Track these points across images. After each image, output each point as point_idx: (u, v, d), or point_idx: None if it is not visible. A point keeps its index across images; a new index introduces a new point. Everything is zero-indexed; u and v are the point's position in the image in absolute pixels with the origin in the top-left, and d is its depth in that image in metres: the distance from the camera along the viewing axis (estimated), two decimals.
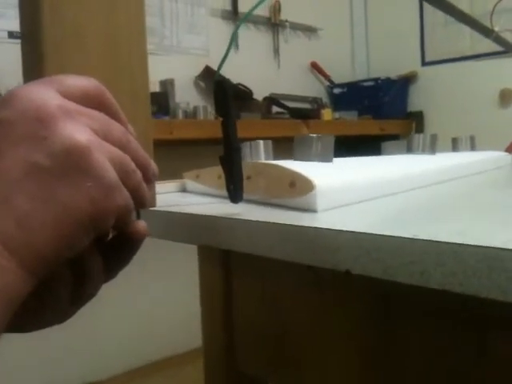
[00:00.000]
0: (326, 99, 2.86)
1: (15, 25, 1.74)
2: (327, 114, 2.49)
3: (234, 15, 2.35)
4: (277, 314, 0.53)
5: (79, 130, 0.28)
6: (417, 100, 2.81)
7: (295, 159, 0.57)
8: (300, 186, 0.46)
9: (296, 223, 0.38)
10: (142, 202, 0.33)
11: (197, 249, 0.62)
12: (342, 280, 0.47)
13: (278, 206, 0.50)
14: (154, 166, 0.35)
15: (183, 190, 0.75)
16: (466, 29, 2.51)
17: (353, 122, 2.57)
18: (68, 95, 0.29)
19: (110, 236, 0.36)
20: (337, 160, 0.59)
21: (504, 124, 2.33)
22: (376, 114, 2.64)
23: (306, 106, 2.70)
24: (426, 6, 2.71)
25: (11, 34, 1.75)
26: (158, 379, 2.02)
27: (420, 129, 2.75)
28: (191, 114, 2.03)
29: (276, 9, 2.54)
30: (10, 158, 0.27)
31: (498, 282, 0.27)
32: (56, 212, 0.27)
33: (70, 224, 0.27)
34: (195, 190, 0.71)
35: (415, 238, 0.30)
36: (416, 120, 2.78)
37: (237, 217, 0.44)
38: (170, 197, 0.69)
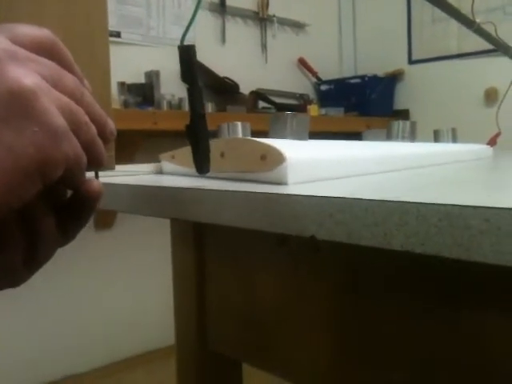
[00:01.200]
0: (312, 96, 2.86)
1: None
2: (313, 109, 2.49)
3: (221, 8, 2.34)
4: (250, 292, 0.52)
5: (26, 74, 0.27)
6: (403, 98, 2.82)
7: (270, 137, 0.56)
8: (271, 158, 0.45)
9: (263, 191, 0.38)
10: (97, 159, 0.32)
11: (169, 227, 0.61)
12: (314, 255, 0.46)
13: (250, 181, 0.49)
14: (111, 123, 0.34)
15: (160, 172, 0.74)
16: (453, 27, 2.54)
17: (339, 119, 2.57)
18: (18, 42, 0.28)
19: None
20: (312, 140, 0.59)
21: (489, 122, 2.33)
22: (362, 111, 2.64)
23: (293, 101, 2.70)
24: (414, 3, 2.72)
25: None
26: (140, 372, 2.01)
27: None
28: (176, 106, 2.02)
29: (264, 3, 2.53)
30: None
31: (460, 240, 0.26)
32: (0, 156, 0.26)
33: (14, 169, 0.26)
34: (172, 172, 0.70)
35: (378, 199, 0.30)
36: (402, 118, 2.79)
37: (204, 188, 0.43)
38: (143, 177, 0.67)
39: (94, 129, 0.31)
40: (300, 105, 2.62)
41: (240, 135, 0.65)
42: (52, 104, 0.28)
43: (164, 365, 2.01)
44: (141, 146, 1.89)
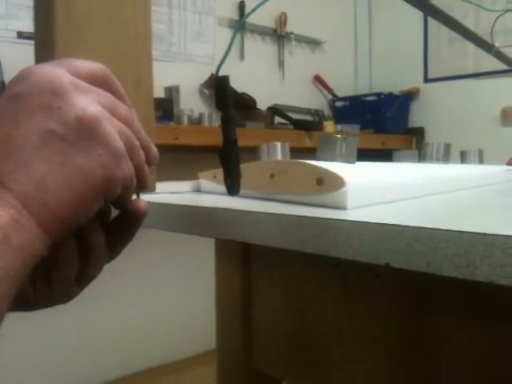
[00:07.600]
0: (328, 112, 2.87)
1: (24, 25, 1.74)
2: (330, 126, 2.50)
3: (241, 25, 2.36)
4: (299, 313, 0.52)
5: (90, 103, 0.30)
6: (418, 116, 2.83)
7: (318, 159, 0.56)
8: (329, 182, 0.46)
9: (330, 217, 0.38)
10: (143, 182, 0.35)
11: (214, 246, 0.62)
12: (369, 279, 0.46)
13: (302, 204, 0.50)
14: (154, 149, 0.38)
15: (197, 190, 0.75)
16: (470, 47, 2.55)
17: (355, 135, 2.58)
18: (76, 75, 0.31)
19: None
20: (358, 163, 0.59)
21: (505, 142, 2.34)
22: (377, 129, 2.65)
23: (308, 117, 2.71)
24: (431, 23, 2.74)
25: (20, 35, 1.75)
26: None
27: (420, 145, 2.76)
28: (196, 121, 2.03)
29: (282, 20, 2.55)
30: (27, 126, 0.29)
31: None
32: (71, 175, 0.28)
33: (84, 187, 0.29)
34: (211, 190, 0.71)
35: (462, 230, 0.30)
36: (416, 136, 2.80)
37: (267, 211, 0.43)
38: (185, 196, 0.68)
39: (143, 154, 0.35)
40: (316, 121, 2.63)
41: (279, 156, 0.65)
42: (113, 129, 0.31)
43: (176, 378, 2.01)
44: (160, 161, 1.91)
